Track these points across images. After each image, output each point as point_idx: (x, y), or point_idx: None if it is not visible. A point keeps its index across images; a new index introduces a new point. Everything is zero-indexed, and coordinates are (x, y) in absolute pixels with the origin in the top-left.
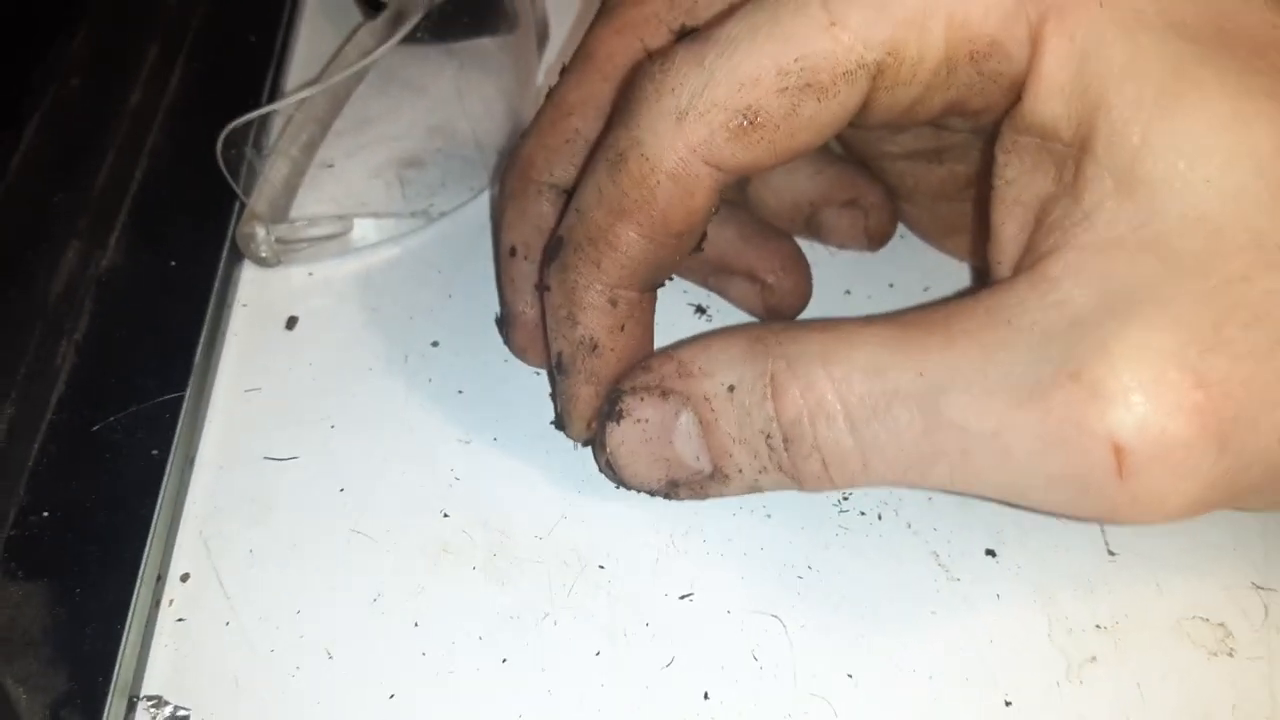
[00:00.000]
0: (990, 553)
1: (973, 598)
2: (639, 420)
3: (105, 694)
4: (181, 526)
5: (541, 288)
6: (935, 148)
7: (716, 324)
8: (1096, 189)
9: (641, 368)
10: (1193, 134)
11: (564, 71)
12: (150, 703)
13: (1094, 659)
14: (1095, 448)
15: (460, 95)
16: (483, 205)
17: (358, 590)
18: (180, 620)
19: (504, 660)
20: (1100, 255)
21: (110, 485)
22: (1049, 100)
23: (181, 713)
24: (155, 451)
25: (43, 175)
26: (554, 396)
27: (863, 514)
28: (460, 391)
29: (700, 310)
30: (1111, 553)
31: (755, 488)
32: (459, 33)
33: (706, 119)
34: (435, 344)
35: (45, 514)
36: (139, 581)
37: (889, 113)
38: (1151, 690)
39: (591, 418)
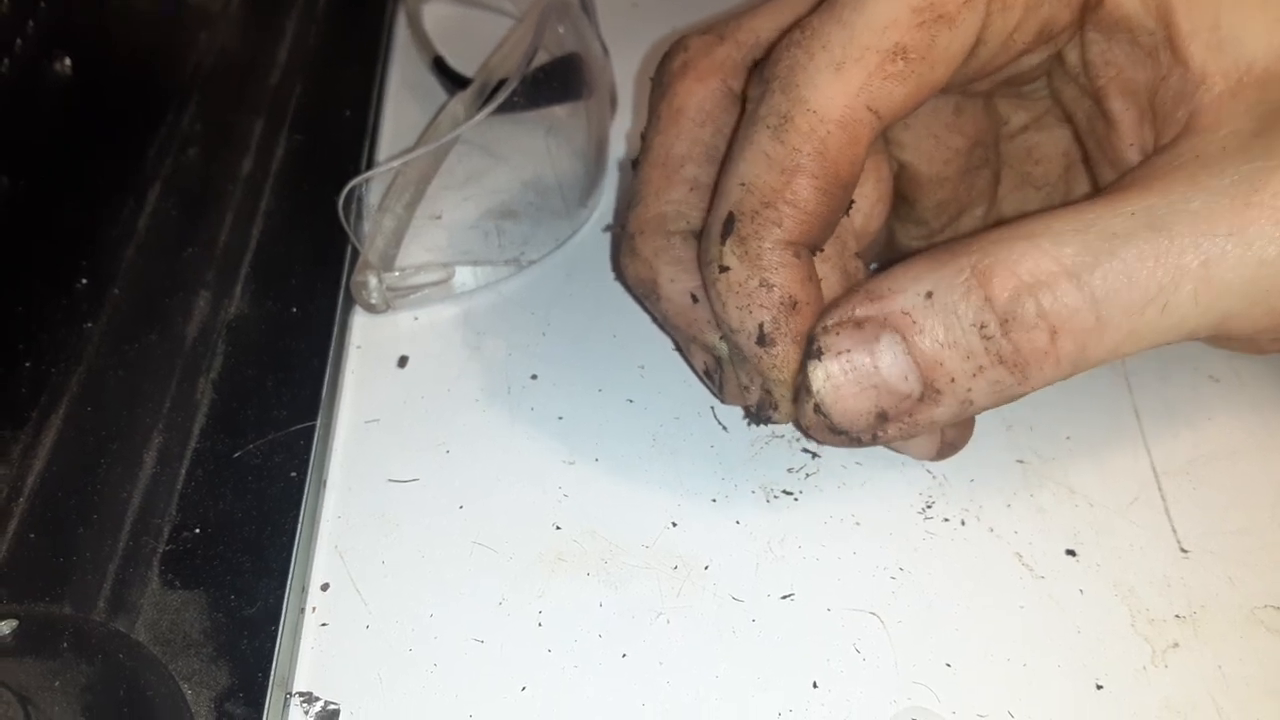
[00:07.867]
0: (1070, 553)
1: (1057, 593)
2: (840, 353)
3: (265, 689)
4: (318, 541)
5: (714, 270)
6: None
7: None
8: (1197, 56)
9: (830, 307)
10: None
11: (647, 135)
12: (302, 699)
13: (1176, 645)
14: None
15: (549, 154)
16: (567, 253)
17: (484, 595)
18: (324, 625)
19: (624, 655)
20: (1232, 99)
21: (254, 504)
22: None
23: (332, 707)
24: (294, 474)
25: (170, 233)
26: (742, 387)
27: (946, 520)
28: (560, 418)
29: None
30: (1184, 550)
31: (967, 402)
32: (546, 100)
33: (863, 63)
34: (534, 376)
35: (197, 530)
36: (289, 587)
37: (998, 40)
38: (1232, 670)
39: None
